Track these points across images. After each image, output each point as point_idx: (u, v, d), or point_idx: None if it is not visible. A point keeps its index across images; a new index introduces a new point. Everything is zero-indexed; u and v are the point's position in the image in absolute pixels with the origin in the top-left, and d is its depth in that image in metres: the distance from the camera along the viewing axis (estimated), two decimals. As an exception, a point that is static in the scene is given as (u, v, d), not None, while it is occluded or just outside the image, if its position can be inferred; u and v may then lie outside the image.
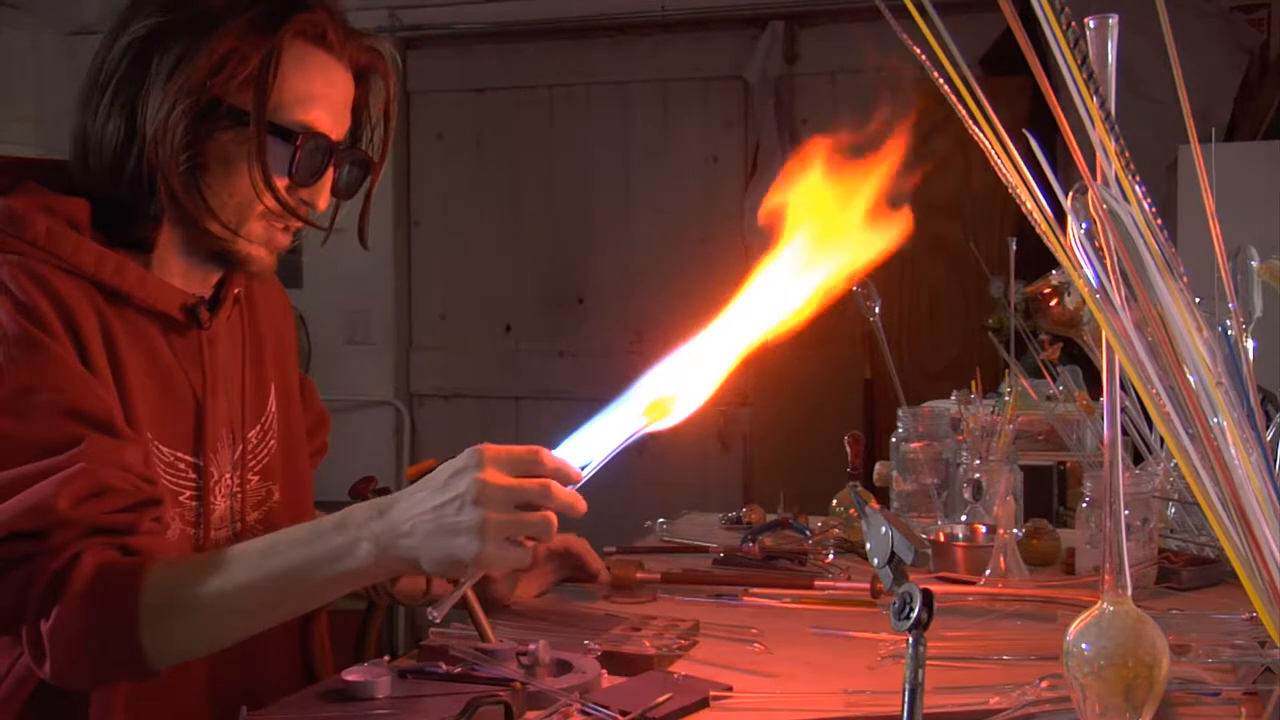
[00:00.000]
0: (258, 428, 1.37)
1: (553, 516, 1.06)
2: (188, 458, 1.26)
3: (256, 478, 1.36)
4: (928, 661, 0.80)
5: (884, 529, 0.85)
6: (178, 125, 1.18)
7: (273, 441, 1.39)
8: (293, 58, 1.22)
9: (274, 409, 1.41)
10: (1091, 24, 0.77)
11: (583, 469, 1.10)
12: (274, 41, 1.20)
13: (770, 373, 3.76)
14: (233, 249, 1.26)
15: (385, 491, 1.23)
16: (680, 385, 1.11)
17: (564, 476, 1.07)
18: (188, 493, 1.26)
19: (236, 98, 1.20)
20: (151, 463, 1.21)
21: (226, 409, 1.32)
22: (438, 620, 1.12)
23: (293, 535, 1.12)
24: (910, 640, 0.80)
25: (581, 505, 1.08)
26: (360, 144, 1.35)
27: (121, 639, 1.08)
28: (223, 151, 1.21)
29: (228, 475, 1.31)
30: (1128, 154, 0.74)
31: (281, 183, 1.24)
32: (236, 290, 1.35)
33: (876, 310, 1.88)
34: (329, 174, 1.28)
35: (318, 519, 1.16)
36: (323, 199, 1.29)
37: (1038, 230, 0.79)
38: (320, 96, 1.25)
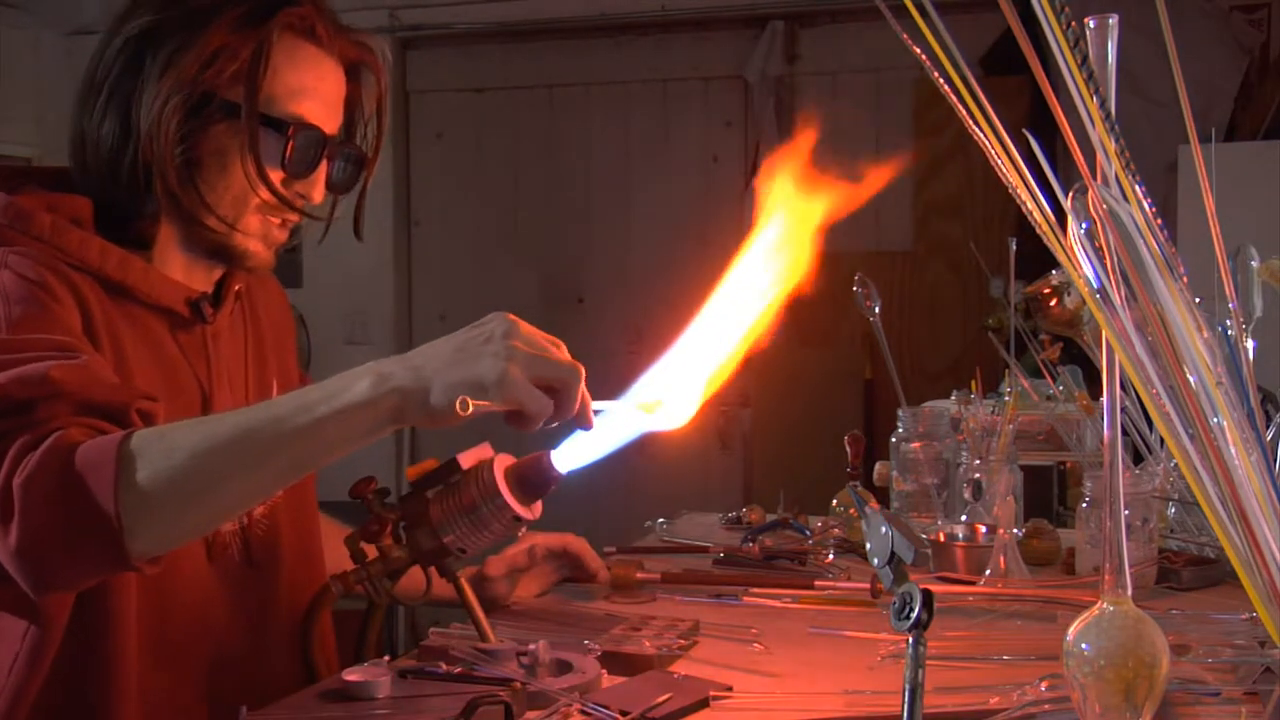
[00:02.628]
0: None
1: (580, 370, 1.05)
2: None
3: None
4: (928, 661, 0.80)
5: (884, 529, 0.85)
6: (171, 120, 1.20)
7: None
8: (283, 51, 1.24)
9: None
10: (1091, 24, 0.77)
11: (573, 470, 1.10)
12: (263, 34, 1.22)
13: (770, 373, 3.77)
14: (230, 244, 1.28)
15: (385, 492, 1.23)
16: (675, 386, 1.12)
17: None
18: None
19: (228, 91, 1.22)
20: None
21: (231, 404, 1.33)
22: (468, 413, 1.01)
23: (296, 390, 1.10)
24: (910, 640, 0.80)
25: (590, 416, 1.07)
26: (355, 139, 1.36)
27: (93, 494, 0.98)
28: (217, 145, 1.23)
29: None
30: (1128, 154, 0.74)
31: (276, 175, 1.25)
32: (238, 286, 1.36)
33: (876, 310, 1.88)
34: (323, 166, 1.30)
35: None
36: (317, 192, 1.30)
37: (1038, 230, 0.79)
38: (311, 90, 1.27)
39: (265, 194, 1.25)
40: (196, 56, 1.20)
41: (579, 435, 1.12)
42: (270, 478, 1.08)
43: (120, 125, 1.22)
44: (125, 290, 1.23)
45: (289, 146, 1.25)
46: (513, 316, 1.06)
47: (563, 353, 1.07)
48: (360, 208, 1.38)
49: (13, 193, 1.22)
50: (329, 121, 1.29)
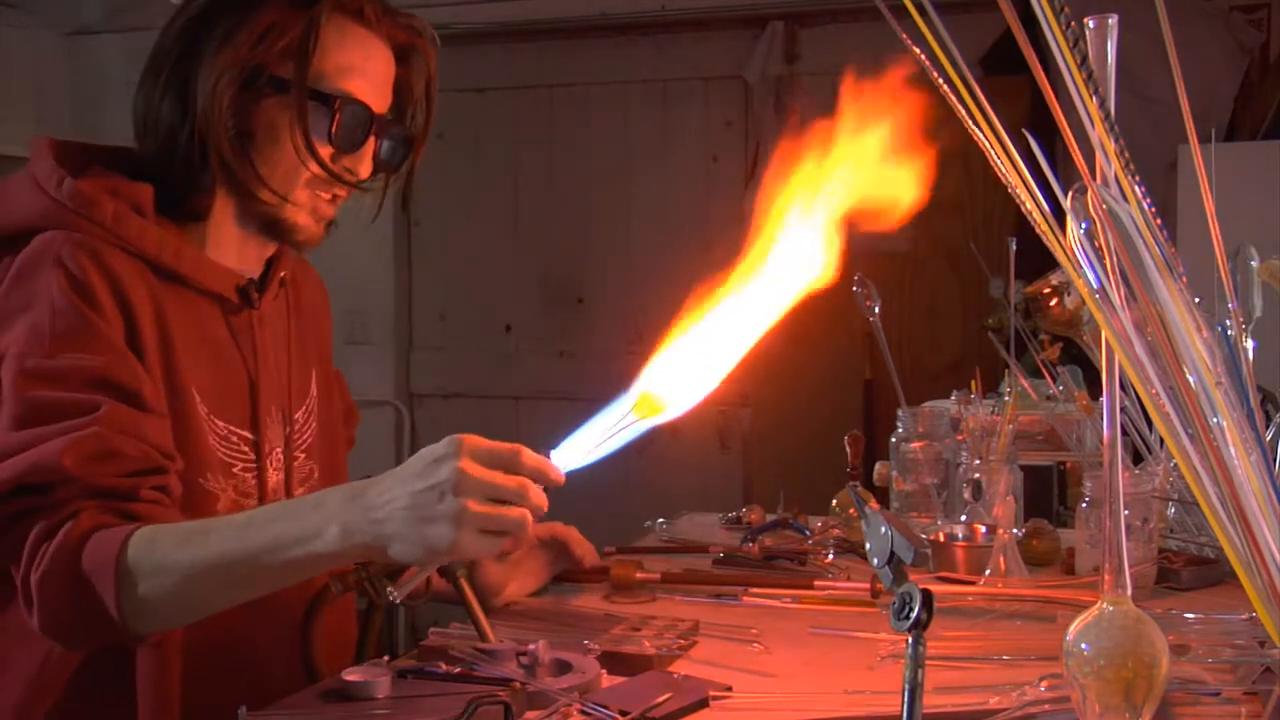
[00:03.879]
0: (302, 409, 1.43)
1: (528, 515, 1.06)
2: (241, 431, 1.33)
3: (302, 455, 1.42)
4: (928, 661, 0.80)
5: (884, 529, 0.85)
6: (225, 94, 1.26)
7: (314, 423, 1.45)
8: (332, 31, 1.30)
9: (315, 393, 1.46)
10: (1091, 24, 0.77)
11: (573, 470, 1.10)
12: (313, 13, 1.28)
13: (770, 373, 3.76)
14: (281, 216, 1.33)
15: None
16: (672, 380, 1.12)
17: (543, 477, 1.07)
18: (241, 464, 1.32)
19: (279, 67, 1.28)
20: (203, 439, 1.27)
21: (276, 387, 1.38)
22: (397, 600, 1.12)
23: (273, 510, 1.15)
24: (910, 640, 0.80)
25: (544, 508, 1.08)
26: (405, 121, 1.41)
27: (99, 597, 1.10)
28: (268, 119, 1.29)
29: (278, 450, 1.37)
30: (1128, 154, 0.74)
31: (324, 150, 1.30)
32: (283, 273, 1.42)
33: (876, 310, 1.88)
34: (370, 143, 1.34)
35: (301, 496, 1.19)
36: (364, 167, 1.35)
37: (1038, 230, 0.79)
38: (359, 68, 1.32)
39: (314, 167, 1.30)
40: (249, 33, 1.26)
41: (579, 435, 1.12)
42: (253, 594, 1.16)
43: (179, 102, 1.28)
44: (178, 277, 1.28)
45: (335, 121, 1.29)
46: (464, 459, 1.04)
47: (522, 460, 1.06)
48: (408, 186, 1.43)
49: (79, 174, 1.27)
50: (377, 101, 1.34)
